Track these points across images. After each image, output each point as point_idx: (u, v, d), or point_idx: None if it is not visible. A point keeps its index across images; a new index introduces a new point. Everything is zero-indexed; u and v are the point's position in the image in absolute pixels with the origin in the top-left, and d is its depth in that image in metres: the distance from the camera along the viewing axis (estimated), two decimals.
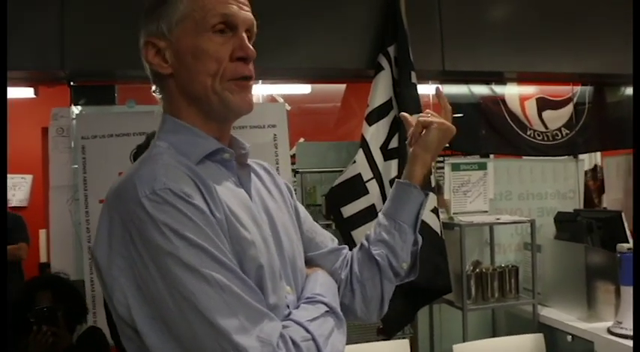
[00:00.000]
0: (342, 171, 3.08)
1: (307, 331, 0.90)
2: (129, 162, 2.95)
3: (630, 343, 2.50)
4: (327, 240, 1.19)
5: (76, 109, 3.15)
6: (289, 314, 0.95)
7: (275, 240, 1.00)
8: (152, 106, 3.37)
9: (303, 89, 3.59)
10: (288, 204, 1.14)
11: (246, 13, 0.99)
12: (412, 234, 1.16)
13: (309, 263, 1.12)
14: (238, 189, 1.00)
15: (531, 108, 3.76)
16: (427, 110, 1.23)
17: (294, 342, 0.86)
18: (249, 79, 0.99)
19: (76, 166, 3.10)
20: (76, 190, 3.12)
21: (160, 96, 1.03)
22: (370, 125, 3.06)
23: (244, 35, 0.98)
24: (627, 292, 2.62)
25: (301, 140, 3.53)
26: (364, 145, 3.05)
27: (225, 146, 1.00)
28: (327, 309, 0.99)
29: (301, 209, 1.19)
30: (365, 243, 1.18)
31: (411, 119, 1.24)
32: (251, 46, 0.98)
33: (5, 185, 2.79)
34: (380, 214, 1.19)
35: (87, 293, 3.01)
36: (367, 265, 1.14)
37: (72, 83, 3.15)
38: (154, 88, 1.04)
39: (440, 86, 1.26)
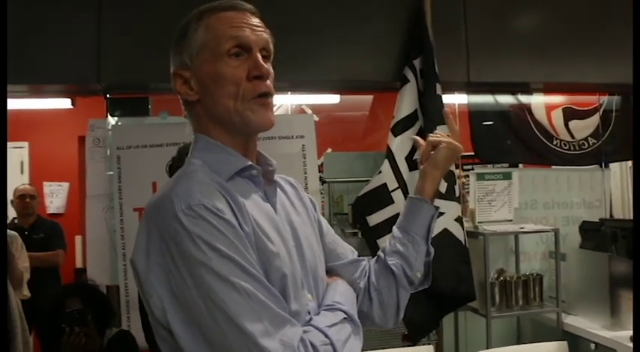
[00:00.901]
0: (368, 180, 3.15)
1: (326, 336, 0.98)
2: (162, 172, 3.06)
3: None
4: (348, 251, 1.27)
5: (112, 120, 3.28)
6: (310, 320, 1.02)
7: (298, 251, 1.08)
8: (184, 118, 3.51)
9: (331, 99, 3.67)
10: (312, 218, 1.21)
11: (260, 34, 1.06)
12: (425, 245, 1.24)
13: (330, 273, 1.20)
14: (265, 204, 1.08)
15: (558, 117, 3.78)
16: (436, 131, 1.34)
17: (313, 346, 0.94)
18: (269, 96, 1.05)
19: (112, 175, 3.22)
20: (112, 199, 3.23)
21: (190, 119, 1.11)
22: (396, 136, 3.12)
23: (258, 55, 1.04)
24: None
25: (329, 150, 3.60)
26: (390, 156, 3.11)
27: (253, 163, 1.08)
28: (345, 316, 1.06)
29: (324, 222, 1.27)
30: (381, 254, 1.26)
31: (422, 141, 1.34)
32: (265, 65, 1.04)
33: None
34: (394, 227, 1.28)
35: (121, 298, 3.13)
36: (384, 274, 1.23)
37: (108, 95, 3.28)
38: (184, 113, 1.12)
39: (447, 109, 1.37)
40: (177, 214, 0.92)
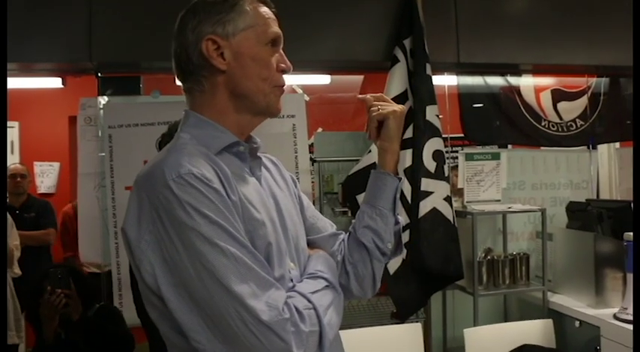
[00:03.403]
0: (358, 160, 3.17)
1: (309, 301, 1.03)
2: (154, 150, 3.06)
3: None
4: (327, 225, 1.33)
5: (103, 99, 3.28)
6: (293, 286, 1.08)
7: (281, 222, 1.15)
8: (176, 97, 3.51)
9: (322, 80, 3.67)
10: (292, 193, 1.29)
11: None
12: (392, 216, 1.28)
13: (312, 245, 1.26)
14: (250, 178, 1.14)
15: (546, 99, 3.81)
16: (375, 102, 1.28)
17: (297, 309, 0.98)
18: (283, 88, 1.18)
19: (104, 154, 3.23)
20: (103, 177, 3.24)
21: (185, 87, 1.15)
22: None
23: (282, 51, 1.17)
24: (631, 279, 2.70)
25: (319, 130, 3.62)
26: None
27: (240, 140, 1.14)
28: (327, 284, 1.12)
29: (304, 198, 1.34)
30: (352, 229, 1.31)
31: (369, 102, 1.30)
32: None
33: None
34: (362, 203, 1.32)
35: (113, 276, 3.15)
36: (356, 249, 1.28)
37: (99, 74, 3.27)
38: (178, 81, 1.17)
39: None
40: (168, 182, 0.97)
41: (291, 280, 1.10)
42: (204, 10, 1.12)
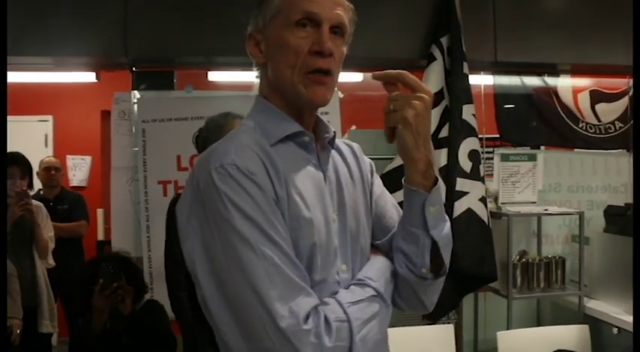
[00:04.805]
0: (392, 158, 3.14)
1: (345, 312, 0.96)
2: (186, 144, 3.08)
3: None
4: (395, 222, 1.18)
5: (136, 94, 3.30)
6: (336, 293, 1.01)
7: (340, 220, 1.08)
8: (209, 92, 3.53)
9: (355, 77, 3.64)
10: (366, 185, 1.19)
11: (334, 12, 1.05)
12: (426, 236, 1.08)
13: (377, 248, 1.16)
14: (314, 171, 1.08)
15: (584, 100, 3.73)
16: (391, 96, 1.07)
17: (326, 320, 0.93)
18: (326, 73, 1.04)
19: (137, 149, 3.25)
20: (136, 171, 3.26)
21: (259, 80, 1.14)
22: None
23: (327, 31, 1.03)
24: None
25: (353, 127, 3.59)
26: None
27: (304, 130, 1.08)
28: (375, 294, 1.04)
29: (377, 190, 1.22)
30: (388, 250, 1.17)
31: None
32: (330, 42, 1.03)
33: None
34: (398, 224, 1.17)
35: (145, 269, 3.17)
36: (394, 273, 1.13)
37: (134, 69, 3.29)
38: (255, 73, 1.14)
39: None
40: (211, 171, 0.96)
41: (338, 283, 1.04)
42: (255, 6, 1.11)
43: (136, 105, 3.28)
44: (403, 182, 1.09)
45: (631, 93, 3.78)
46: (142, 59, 3.23)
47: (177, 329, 2.51)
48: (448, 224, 1.12)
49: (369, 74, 1.11)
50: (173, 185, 3.21)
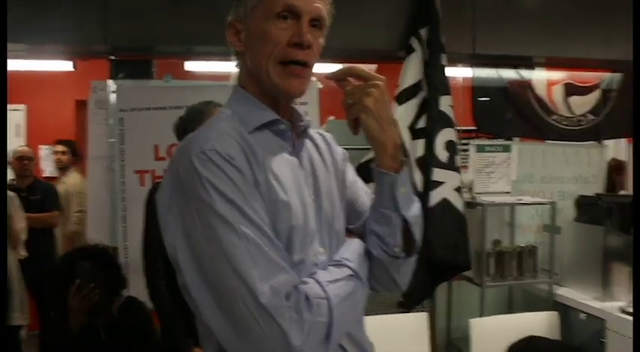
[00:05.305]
0: (370, 149, 3.16)
1: (324, 290, 0.99)
2: (165, 133, 3.07)
3: None
4: (368, 207, 1.22)
5: (113, 83, 3.26)
6: (314, 273, 1.05)
7: (316, 204, 1.12)
8: (187, 81, 3.51)
9: (334, 68, 3.64)
10: (339, 173, 1.24)
11: (314, 5, 1.08)
12: (397, 217, 1.12)
13: (351, 232, 1.21)
14: (290, 157, 1.11)
15: (558, 93, 3.81)
16: (347, 89, 1.11)
17: (307, 297, 0.96)
18: (303, 65, 1.07)
19: (114, 140, 3.22)
20: (113, 161, 3.24)
21: (238, 69, 1.16)
22: (399, 105, 3.14)
23: (306, 23, 1.06)
24: None
25: (331, 118, 3.60)
26: None
27: (281, 118, 1.11)
28: (352, 273, 1.08)
29: (350, 176, 1.26)
30: (362, 233, 1.21)
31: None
32: (309, 34, 1.05)
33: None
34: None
35: (120, 260, 3.16)
36: (368, 254, 1.17)
37: (112, 57, 3.26)
38: (234, 63, 1.17)
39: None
40: (192, 157, 0.98)
41: (316, 265, 1.08)
42: None
43: (114, 94, 3.25)
44: (372, 166, 1.13)
45: (602, 87, 3.87)
46: (121, 47, 3.20)
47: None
48: (418, 204, 1.18)
49: (348, 66, 1.14)
50: (150, 175, 3.20)
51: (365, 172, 1.32)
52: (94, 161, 3.39)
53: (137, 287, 2.57)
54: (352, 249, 1.15)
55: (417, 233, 1.17)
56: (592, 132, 3.86)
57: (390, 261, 1.15)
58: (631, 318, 2.69)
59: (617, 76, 3.92)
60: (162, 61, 3.44)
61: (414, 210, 1.15)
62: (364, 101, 1.08)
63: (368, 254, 1.16)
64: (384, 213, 1.13)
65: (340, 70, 1.12)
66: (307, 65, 1.08)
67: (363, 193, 1.26)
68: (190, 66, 3.49)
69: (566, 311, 3.08)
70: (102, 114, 3.35)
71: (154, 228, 2.24)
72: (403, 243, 1.14)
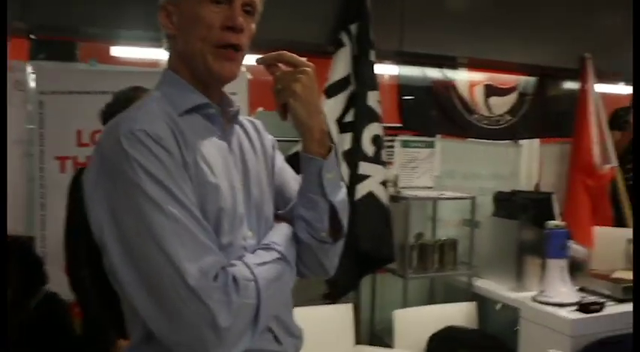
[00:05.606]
0: (298, 141, 3.18)
1: (252, 272, 1.01)
2: (89, 119, 2.95)
3: (550, 308, 2.80)
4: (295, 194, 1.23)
5: (33, 64, 3.10)
6: (242, 256, 1.06)
7: (245, 189, 1.14)
8: (114, 66, 3.39)
9: None
10: (268, 159, 1.25)
11: None
12: (324, 201, 1.15)
13: (281, 218, 1.22)
14: (219, 141, 1.12)
15: (479, 93, 3.97)
16: (277, 75, 1.14)
17: (234, 279, 0.97)
18: (236, 49, 1.08)
19: (32, 120, 3.07)
20: (31, 145, 3.09)
21: (168, 53, 1.15)
22: (328, 98, 3.18)
23: (238, 7, 1.08)
24: (550, 264, 2.90)
25: (260, 109, 3.59)
26: None
27: (211, 102, 1.11)
28: (280, 256, 1.10)
29: (278, 163, 1.29)
30: (290, 219, 1.22)
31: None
32: (241, 18, 1.08)
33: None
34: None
35: (37, 249, 3.02)
36: (296, 239, 1.19)
37: (31, 36, 3.10)
38: (165, 46, 1.16)
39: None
40: (120, 137, 0.97)
41: (245, 248, 1.09)
42: None
43: (34, 75, 3.09)
44: (300, 151, 1.16)
45: (520, 89, 4.08)
46: (42, 27, 3.05)
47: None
48: (344, 189, 1.21)
49: (278, 52, 1.15)
50: (72, 161, 3.07)
51: (294, 163, 1.35)
52: (11, 146, 3.21)
53: (55, 278, 2.48)
54: (280, 233, 1.16)
55: (344, 218, 1.20)
56: (509, 131, 4.05)
57: (317, 246, 1.17)
58: (543, 307, 2.86)
59: (533, 79, 4.12)
60: (86, 43, 3.30)
61: (340, 195, 1.18)
62: (293, 87, 1.11)
63: (296, 238, 1.18)
64: (311, 198, 1.15)
65: (270, 55, 1.14)
66: (240, 49, 1.09)
67: (292, 179, 1.29)
68: (116, 51, 3.38)
69: (483, 302, 3.23)
70: (20, 96, 3.16)
71: (78, 215, 2.18)
72: (330, 228, 1.17)
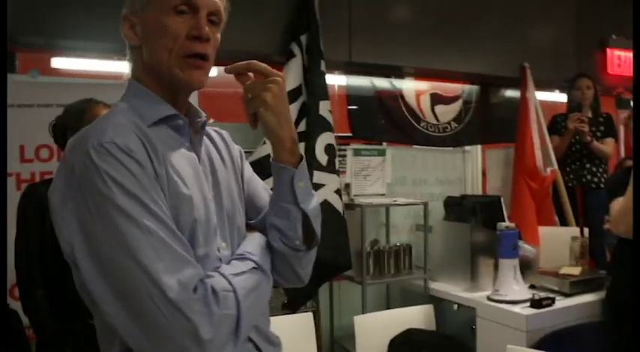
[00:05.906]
0: (251, 151, 3.17)
1: (230, 283, 1.00)
2: (31, 133, 2.86)
3: (505, 306, 2.88)
4: (266, 204, 1.24)
5: None
6: (218, 267, 1.05)
7: (216, 200, 1.13)
8: (57, 78, 3.27)
9: (213, 71, 3.61)
10: (237, 169, 1.25)
11: None
12: (297, 210, 1.15)
13: (251, 227, 1.23)
14: (189, 153, 1.11)
15: (425, 102, 4.08)
16: (247, 85, 1.14)
17: (214, 290, 0.96)
18: (203, 58, 1.08)
19: None
20: None
21: (130, 65, 1.14)
22: None
23: (204, 17, 1.07)
24: (503, 264, 2.99)
25: (211, 121, 3.56)
26: None
27: (179, 114, 1.11)
28: (255, 266, 1.10)
29: (247, 173, 1.29)
30: (262, 228, 1.23)
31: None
32: (207, 28, 1.07)
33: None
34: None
35: None
36: (270, 248, 1.19)
37: None
38: (127, 56, 1.14)
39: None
40: (89, 150, 0.94)
41: (220, 260, 1.08)
42: None
43: None
44: (271, 161, 1.16)
45: (464, 98, 4.21)
46: None
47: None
48: (316, 197, 1.22)
49: (248, 61, 1.15)
50: (15, 178, 2.94)
51: (259, 168, 1.36)
52: None
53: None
54: (254, 243, 1.16)
55: (317, 226, 1.21)
56: (455, 138, 4.17)
57: (291, 254, 1.18)
58: (497, 305, 2.94)
59: (476, 88, 4.27)
60: (26, 54, 3.18)
61: (313, 203, 1.19)
62: (263, 96, 1.11)
63: (269, 247, 1.17)
64: (283, 207, 1.15)
65: (240, 64, 1.14)
66: (207, 58, 1.09)
67: (262, 188, 1.29)
68: (59, 62, 3.26)
69: (440, 304, 3.28)
70: None
71: (30, 234, 2.07)
72: (303, 236, 1.17)
